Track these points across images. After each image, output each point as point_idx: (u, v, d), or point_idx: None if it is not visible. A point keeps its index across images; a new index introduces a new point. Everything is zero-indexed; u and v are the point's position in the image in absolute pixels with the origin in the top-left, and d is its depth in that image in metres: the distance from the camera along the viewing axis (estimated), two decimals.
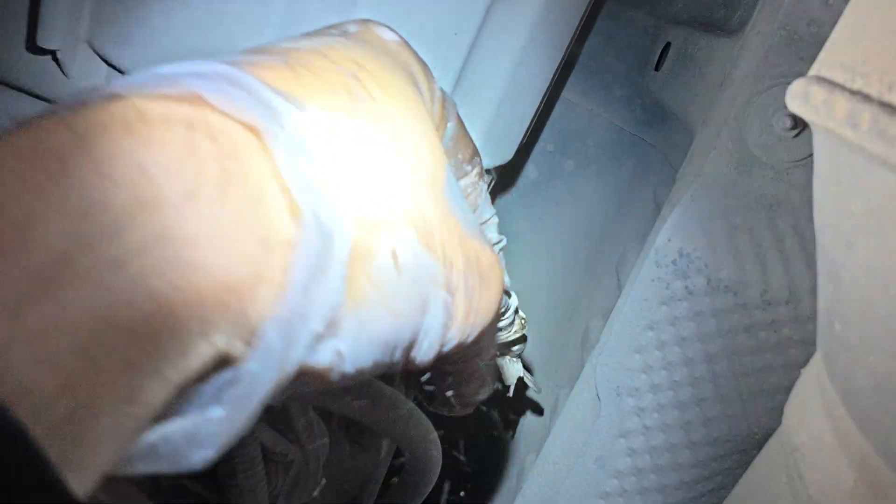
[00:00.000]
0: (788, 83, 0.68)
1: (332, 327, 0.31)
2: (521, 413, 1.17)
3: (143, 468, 0.27)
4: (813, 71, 0.36)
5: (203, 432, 0.28)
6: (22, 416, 0.21)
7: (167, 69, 0.31)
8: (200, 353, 0.27)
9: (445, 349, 0.38)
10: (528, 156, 1.13)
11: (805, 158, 0.71)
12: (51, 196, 0.23)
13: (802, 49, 0.69)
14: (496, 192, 1.15)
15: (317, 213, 0.29)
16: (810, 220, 0.71)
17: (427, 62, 0.64)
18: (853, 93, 0.30)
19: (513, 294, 0.58)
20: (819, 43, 0.68)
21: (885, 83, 0.28)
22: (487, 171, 0.81)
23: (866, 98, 0.29)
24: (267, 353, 0.28)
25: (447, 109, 0.45)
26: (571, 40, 0.78)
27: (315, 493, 0.73)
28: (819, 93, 0.32)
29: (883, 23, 0.31)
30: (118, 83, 0.30)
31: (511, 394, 0.70)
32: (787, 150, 0.71)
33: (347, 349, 0.32)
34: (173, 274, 0.25)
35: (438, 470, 0.71)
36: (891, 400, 0.34)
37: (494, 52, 0.67)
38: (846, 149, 0.31)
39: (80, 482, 0.24)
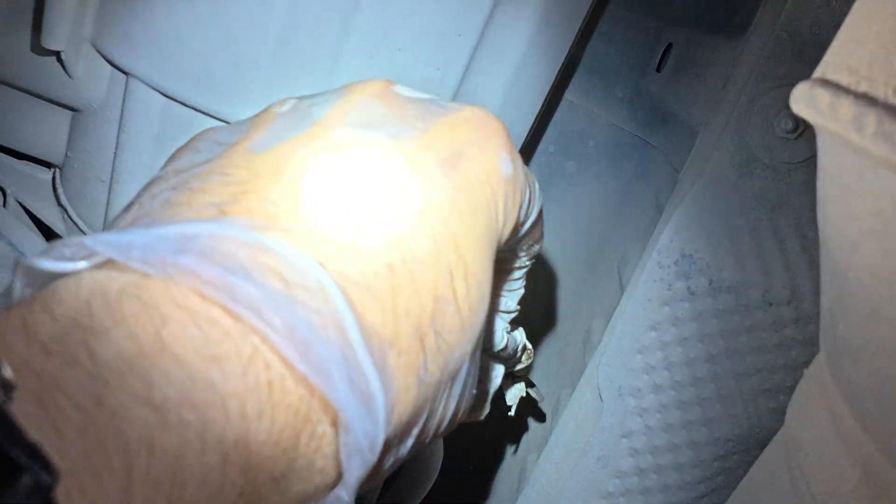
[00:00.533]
0: (790, 85, 0.69)
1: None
2: (521, 413, 1.17)
3: None
4: (817, 73, 0.36)
5: None
6: None
7: (189, 229, 0.30)
8: None
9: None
10: (531, 157, 1.14)
11: (807, 160, 0.71)
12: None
13: (804, 51, 0.69)
14: None
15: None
16: (812, 221, 0.71)
17: (430, 63, 0.65)
18: (858, 95, 0.30)
19: (520, 329, 0.59)
20: (821, 45, 0.68)
21: (890, 86, 0.29)
22: None
23: (872, 101, 0.29)
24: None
25: (531, 204, 0.45)
26: (573, 42, 0.78)
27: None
28: (824, 95, 0.33)
29: (888, 25, 0.31)
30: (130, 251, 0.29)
31: (513, 413, 0.70)
32: (788, 152, 0.71)
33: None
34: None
35: (438, 468, 0.72)
36: (894, 401, 0.34)
37: (497, 53, 0.68)
38: (851, 151, 0.31)
39: None
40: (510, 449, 1.17)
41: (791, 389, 0.71)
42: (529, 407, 1.15)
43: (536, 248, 0.50)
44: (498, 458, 1.21)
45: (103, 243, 0.28)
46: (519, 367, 0.62)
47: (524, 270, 0.53)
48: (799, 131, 0.70)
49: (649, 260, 0.74)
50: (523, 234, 0.46)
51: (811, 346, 0.71)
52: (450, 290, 0.34)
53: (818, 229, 0.39)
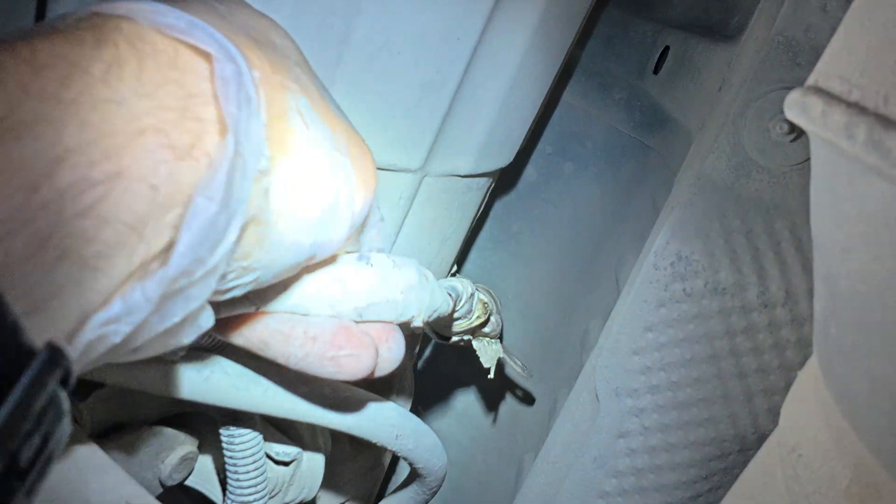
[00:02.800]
0: (786, 88, 0.69)
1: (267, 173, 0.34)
2: (518, 412, 1.18)
3: (126, 329, 0.29)
4: (811, 80, 0.37)
5: (185, 288, 0.31)
6: None
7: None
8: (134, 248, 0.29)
9: (354, 225, 0.40)
10: (528, 159, 1.14)
11: (802, 162, 0.72)
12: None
13: (800, 55, 0.70)
14: (496, 194, 1.16)
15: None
16: (807, 223, 0.72)
17: (430, 66, 0.65)
18: (850, 104, 0.31)
19: (464, 281, 0.58)
20: (816, 49, 0.69)
21: (881, 95, 0.29)
22: (488, 175, 0.82)
23: (862, 110, 0.30)
24: (211, 197, 0.31)
25: None
26: (571, 45, 0.79)
27: (317, 492, 0.74)
28: (816, 103, 0.33)
29: (879, 35, 0.32)
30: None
31: (492, 375, 0.70)
32: (784, 155, 0.72)
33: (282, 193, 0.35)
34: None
35: (442, 481, 0.72)
36: (885, 404, 0.35)
37: (496, 57, 0.68)
38: (842, 158, 0.32)
39: (47, 328, 0.26)
40: (507, 449, 1.17)
41: (786, 390, 0.72)
42: (527, 404, 1.15)
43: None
44: (495, 459, 1.21)
45: None
46: (475, 320, 0.62)
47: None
48: (794, 134, 0.71)
49: (645, 262, 0.75)
50: None
51: (806, 347, 0.72)
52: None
53: (812, 234, 0.40)
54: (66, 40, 0.29)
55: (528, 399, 1.16)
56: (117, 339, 0.29)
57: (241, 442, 0.64)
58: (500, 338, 0.70)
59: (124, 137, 0.28)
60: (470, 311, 0.61)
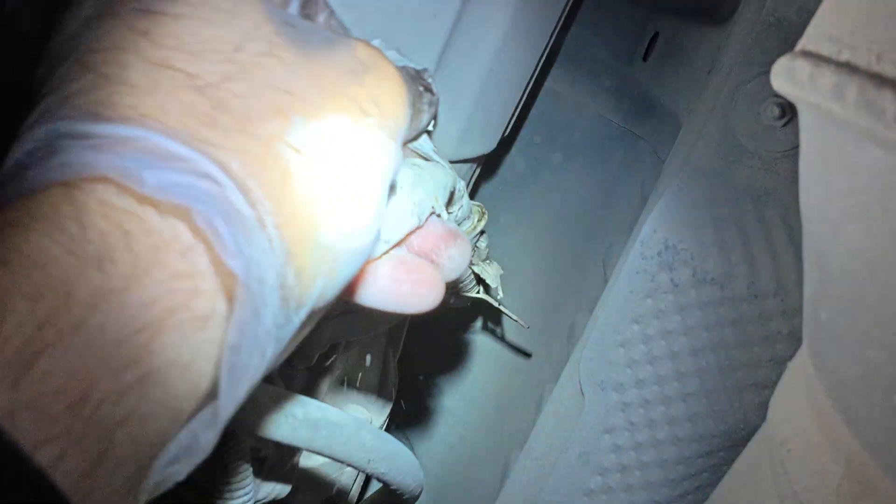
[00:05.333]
0: None
1: None
2: (504, 409, 1.15)
3: (166, 475, 0.30)
4: (799, 46, 0.34)
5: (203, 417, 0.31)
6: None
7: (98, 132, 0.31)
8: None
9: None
10: (513, 146, 1.12)
11: (794, 148, 0.69)
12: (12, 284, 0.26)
13: (791, 36, 0.67)
14: (481, 182, 1.14)
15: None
16: (799, 211, 0.69)
17: (405, 45, 0.62)
18: (840, 65, 0.28)
19: (485, 214, 0.56)
20: None
21: (873, 52, 0.27)
22: (469, 161, 0.79)
23: (854, 69, 0.27)
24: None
25: None
26: (555, 28, 0.76)
27: (289, 491, 0.72)
28: (804, 67, 0.31)
29: None
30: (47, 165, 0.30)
31: (501, 294, 0.69)
32: (775, 140, 0.69)
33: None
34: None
35: (417, 498, 0.70)
36: (879, 392, 0.32)
37: (475, 37, 0.65)
38: (832, 125, 0.30)
39: None
40: (493, 446, 1.15)
41: (776, 384, 0.69)
42: (515, 399, 1.13)
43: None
44: (481, 456, 1.19)
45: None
46: (479, 224, 0.61)
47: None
48: (786, 119, 0.68)
49: (632, 251, 0.72)
50: None
51: (797, 339, 0.69)
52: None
53: (801, 214, 0.38)
54: (45, 234, 0.27)
55: (515, 392, 1.13)
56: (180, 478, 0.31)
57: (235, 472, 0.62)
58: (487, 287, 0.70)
59: (139, 332, 0.28)
60: (470, 212, 0.59)
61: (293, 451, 0.70)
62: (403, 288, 0.43)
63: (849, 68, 0.27)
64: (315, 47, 0.36)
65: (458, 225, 0.59)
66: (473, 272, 0.66)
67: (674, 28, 0.90)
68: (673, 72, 0.91)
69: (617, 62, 1.02)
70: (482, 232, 0.64)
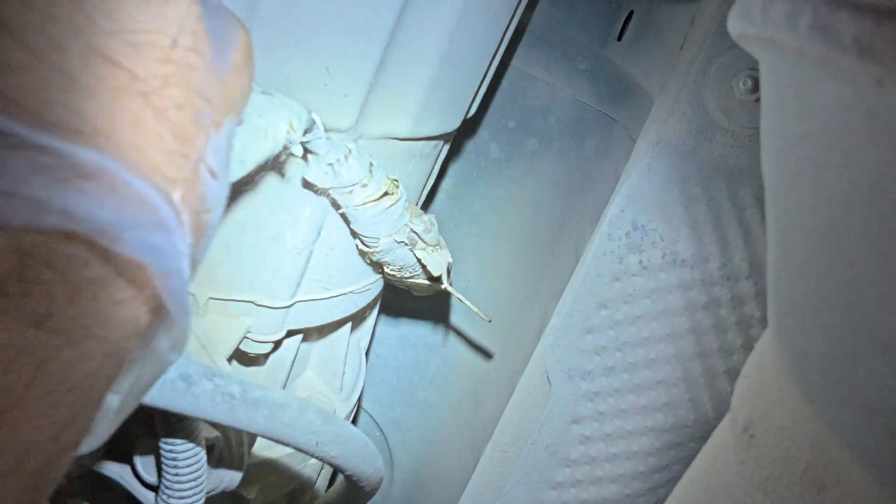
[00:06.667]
0: None
1: None
2: (479, 402, 1.12)
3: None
4: None
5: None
6: None
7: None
8: None
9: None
10: (486, 131, 1.08)
11: None
12: None
13: None
14: (452, 168, 1.10)
15: None
16: None
17: (358, 10, 0.59)
18: None
19: (399, 188, 0.54)
20: None
21: None
22: (432, 139, 0.76)
23: None
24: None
25: None
26: (518, 2, 0.73)
27: (240, 480, 0.68)
28: (755, 3, 0.27)
29: None
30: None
31: (445, 284, 0.68)
32: (748, 115, 0.66)
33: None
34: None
35: (379, 483, 0.67)
36: (842, 363, 0.29)
37: (431, 9, 0.62)
38: (787, 63, 0.26)
39: None
40: (468, 440, 1.12)
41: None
42: (491, 388, 1.10)
43: None
44: (456, 450, 1.16)
45: None
46: (418, 224, 0.58)
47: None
48: (758, 93, 0.65)
49: (599, 232, 0.69)
50: None
51: None
52: None
53: (762, 173, 0.34)
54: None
55: (490, 384, 1.10)
56: None
57: (183, 457, 0.58)
58: (450, 280, 0.67)
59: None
60: (370, 177, 0.56)
61: (241, 435, 0.67)
62: None
63: None
64: (217, 37, 0.32)
65: (355, 186, 0.56)
66: (416, 257, 0.63)
67: (647, 5, 0.87)
68: (647, 49, 0.88)
69: (592, 43, 0.99)
70: (428, 219, 0.62)
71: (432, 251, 0.64)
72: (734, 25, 0.31)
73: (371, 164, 0.56)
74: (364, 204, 0.59)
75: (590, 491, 0.73)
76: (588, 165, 1.03)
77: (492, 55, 0.74)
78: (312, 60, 0.60)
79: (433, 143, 0.76)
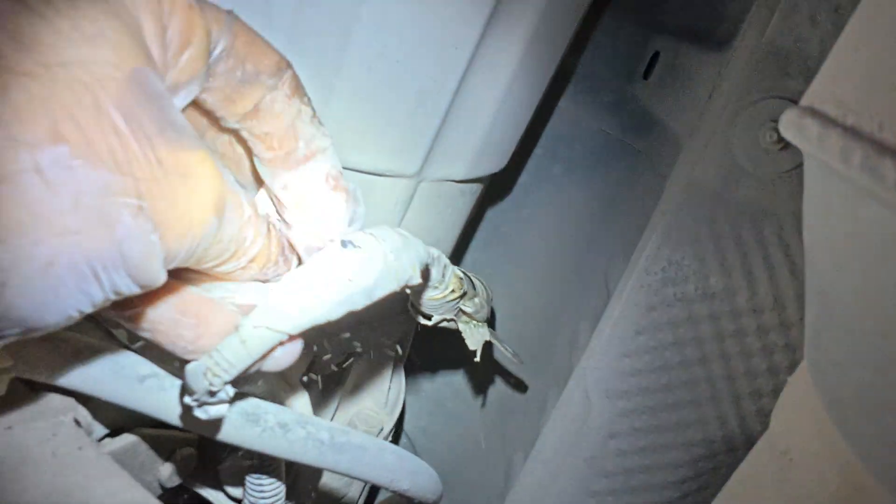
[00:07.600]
0: (775, 98, 0.71)
1: None
2: (507, 412, 1.19)
3: None
4: (806, 101, 0.38)
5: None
6: None
7: None
8: None
9: (178, 261, 0.38)
10: (520, 163, 1.15)
11: (790, 170, 0.73)
12: None
13: (789, 65, 0.71)
14: (486, 196, 1.17)
15: None
16: (794, 229, 0.73)
17: (427, 74, 0.66)
18: (846, 129, 0.32)
19: (437, 252, 0.58)
20: (805, 60, 0.70)
21: (876, 122, 0.31)
22: (481, 180, 0.83)
23: (858, 135, 0.31)
24: None
25: (200, 21, 0.40)
26: (565, 51, 0.80)
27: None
28: (813, 126, 0.34)
29: (875, 61, 0.33)
30: None
31: (478, 358, 0.71)
32: (772, 163, 0.74)
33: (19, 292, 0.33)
34: None
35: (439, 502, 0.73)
36: (874, 413, 0.36)
37: (492, 64, 0.69)
38: (837, 179, 0.34)
39: None
40: (497, 448, 1.18)
41: (773, 393, 0.74)
42: (519, 403, 1.16)
43: (286, 72, 0.44)
44: (484, 458, 1.22)
45: None
46: (449, 294, 0.62)
47: (301, 109, 0.45)
48: (783, 143, 0.73)
49: (637, 266, 0.76)
50: (226, 50, 0.42)
51: (793, 350, 0.74)
52: None
53: (804, 248, 0.42)
54: None
55: (517, 396, 1.17)
56: None
57: (268, 491, 0.66)
58: (493, 326, 0.71)
59: None
60: (443, 281, 0.60)
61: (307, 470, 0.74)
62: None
63: (854, 133, 0.31)
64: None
65: (429, 289, 0.61)
66: (459, 329, 0.69)
67: (674, 49, 0.94)
68: (672, 91, 0.95)
69: (617, 78, 1.06)
70: (470, 296, 0.66)
71: (475, 325, 0.69)
72: (789, 134, 0.38)
73: (445, 267, 0.59)
74: (430, 299, 0.62)
75: (625, 499, 0.80)
76: (612, 192, 1.10)
77: (537, 102, 0.81)
78: (388, 117, 0.67)
79: (482, 181, 0.84)
